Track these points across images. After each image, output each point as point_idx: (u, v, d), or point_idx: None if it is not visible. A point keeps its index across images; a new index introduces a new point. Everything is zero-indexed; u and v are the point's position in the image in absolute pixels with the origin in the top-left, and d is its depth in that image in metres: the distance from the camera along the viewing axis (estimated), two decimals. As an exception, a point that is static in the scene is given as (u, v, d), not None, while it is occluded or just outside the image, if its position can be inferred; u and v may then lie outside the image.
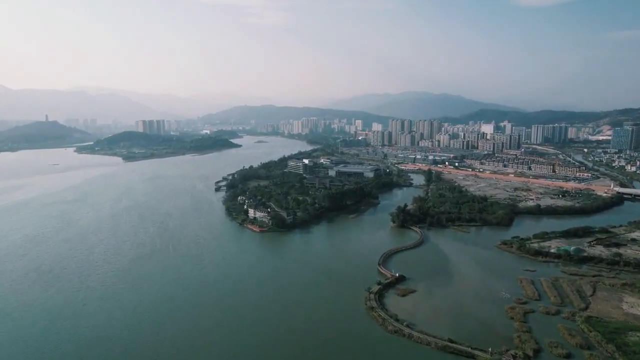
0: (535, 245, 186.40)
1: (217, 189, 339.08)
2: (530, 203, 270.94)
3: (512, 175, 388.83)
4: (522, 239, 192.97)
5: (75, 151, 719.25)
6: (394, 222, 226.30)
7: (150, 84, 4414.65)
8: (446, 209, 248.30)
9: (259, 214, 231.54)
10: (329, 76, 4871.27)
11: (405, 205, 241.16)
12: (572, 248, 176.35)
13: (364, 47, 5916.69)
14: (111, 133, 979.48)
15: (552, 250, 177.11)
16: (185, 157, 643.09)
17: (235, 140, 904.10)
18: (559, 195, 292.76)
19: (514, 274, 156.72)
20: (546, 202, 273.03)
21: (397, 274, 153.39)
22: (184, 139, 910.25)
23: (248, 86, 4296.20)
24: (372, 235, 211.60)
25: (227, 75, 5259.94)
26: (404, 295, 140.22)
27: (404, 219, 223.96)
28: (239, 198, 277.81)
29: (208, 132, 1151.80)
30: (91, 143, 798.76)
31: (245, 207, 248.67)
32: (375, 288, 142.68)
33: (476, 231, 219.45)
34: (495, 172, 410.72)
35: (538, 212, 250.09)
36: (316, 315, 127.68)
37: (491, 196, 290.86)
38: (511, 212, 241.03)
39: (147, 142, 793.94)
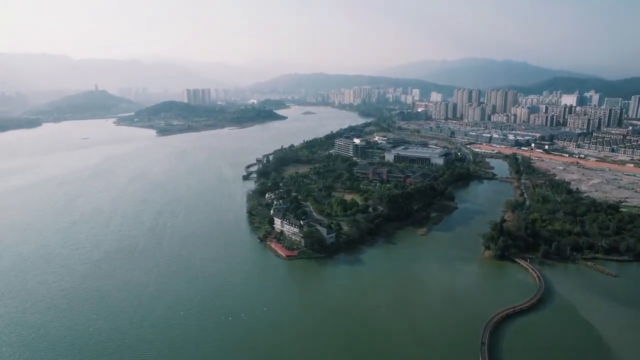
0: None
1: (246, 177, 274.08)
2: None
3: (632, 165, 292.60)
4: None
5: (114, 122, 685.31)
6: (487, 248, 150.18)
7: (204, 53, 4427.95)
8: (563, 226, 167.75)
9: (287, 228, 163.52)
10: (382, 42, 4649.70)
11: (503, 221, 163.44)
12: None
13: (419, 8, 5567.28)
14: (160, 102, 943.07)
15: None
16: (224, 130, 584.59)
17: (281, 111, 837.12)
18: None
19: None
20: None
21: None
22: (228, 109, 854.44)
23: (298, 53, 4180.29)
24: (456, 275, 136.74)
25: (278, 44, 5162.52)
26: None
27: (505, 246, 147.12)
28: (267, 195, 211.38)
29: (255, 102, 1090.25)
30: (132, 114, 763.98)
31: (271, 211, 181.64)
32: None
33: (622, 270, 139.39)
34: (602, 160, 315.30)
35: None
36: None
37: (619, 201, 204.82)
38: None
39: (188, 112, 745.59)
